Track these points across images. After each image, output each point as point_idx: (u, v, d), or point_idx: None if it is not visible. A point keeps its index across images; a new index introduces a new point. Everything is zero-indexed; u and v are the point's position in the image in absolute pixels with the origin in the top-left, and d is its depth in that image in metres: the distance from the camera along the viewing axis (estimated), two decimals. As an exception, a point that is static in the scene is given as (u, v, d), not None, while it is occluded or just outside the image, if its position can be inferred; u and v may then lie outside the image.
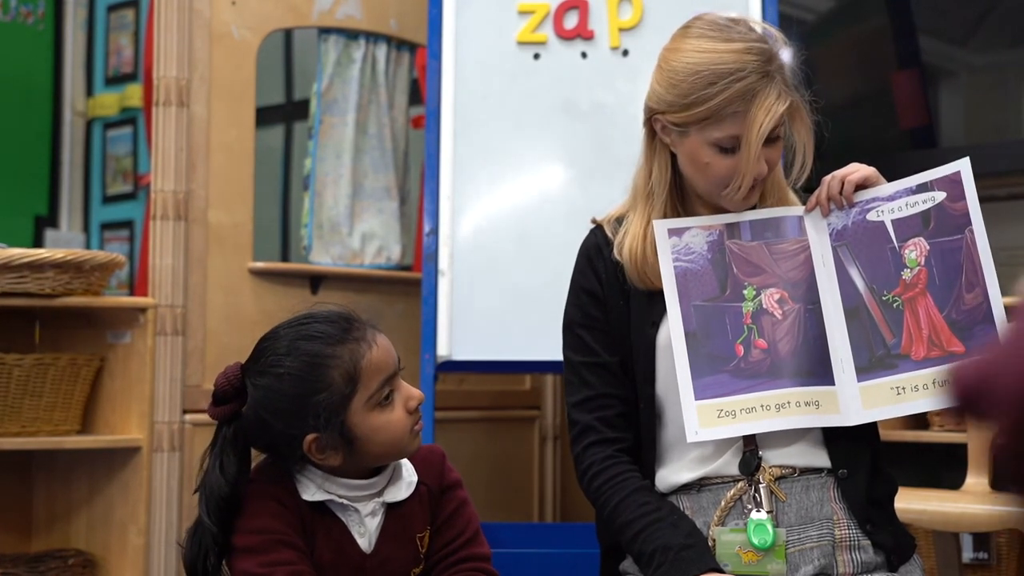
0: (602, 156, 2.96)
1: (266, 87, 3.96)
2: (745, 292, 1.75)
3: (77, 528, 3.06)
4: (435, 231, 2.93)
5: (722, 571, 1.64)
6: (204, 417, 3.12)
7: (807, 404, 1.70)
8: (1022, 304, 1.12)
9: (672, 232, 1.77)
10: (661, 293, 1.76)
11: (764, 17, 2.96)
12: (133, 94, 4.93)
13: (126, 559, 2.97)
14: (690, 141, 1.74)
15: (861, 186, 1.77)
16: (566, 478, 3.88)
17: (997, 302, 1.66)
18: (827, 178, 1.77)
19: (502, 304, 2.90)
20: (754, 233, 1.77)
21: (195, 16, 3.23)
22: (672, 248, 1.76)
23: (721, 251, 1.76)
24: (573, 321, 1.85)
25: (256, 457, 1.69)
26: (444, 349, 2.85)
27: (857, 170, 1.77)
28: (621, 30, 3.00)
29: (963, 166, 1.72)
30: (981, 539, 3.04)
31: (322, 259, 3.56)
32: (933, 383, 1.68)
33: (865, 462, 1.74)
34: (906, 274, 1.72)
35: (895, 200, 1.75)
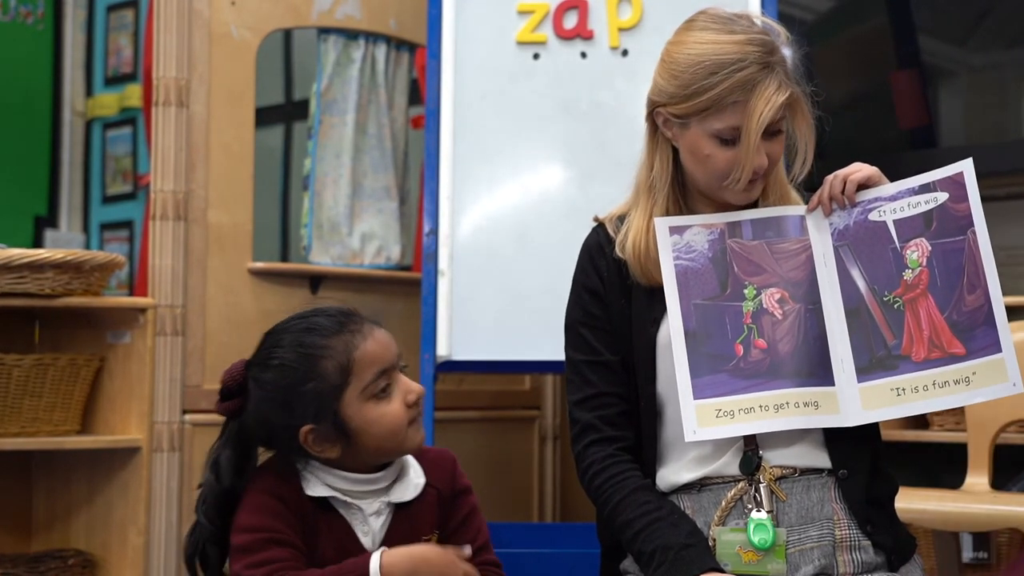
0: (602, 156, 2.95)
1: (266, 87, 3.96)
2: (745, 291, 1.75)
3: (77, 528, 3.06)
4: (435, 231, 2.93)
5: (722, 571, 1.64)
6: (204, 417, 3.15)
7: (806, 405, 1.70)
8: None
9: (673, 230, 1.77)
10: (663, 291, 1.76)
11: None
12: (133, 94, 4.93)
13: (126, 559, 2.97)
14: (691, 133, 1.75)
15: (863, 186, 1.76)
16: (566, 478, 3.88)
17: (998, 304, 1.66)
18: (829, 177, 1.77)
19: (502, 304, 2.90)
20: (755, 232, 1.77)
21: (195, 16, 3.23)
22: (673, 246, 1.76)
23: (722, 250, 1.76)
24: (575, 320, 1.85)
25: (263, 456, 1.70)
26: (444, 349, 2.85)
27: (859, 169, 1.76)
28: (621, 30, 3.00)
29: (966, 167, 1.71)
30: (981, 539, 3.04)
31: (322, 259, 3.56)
32: (933, 384, 1.67)
33: (865, 462, 1.73)
34: (907, 275, 1.71)
35: (897, 200, 1.74)
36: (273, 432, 1.63)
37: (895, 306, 1.71)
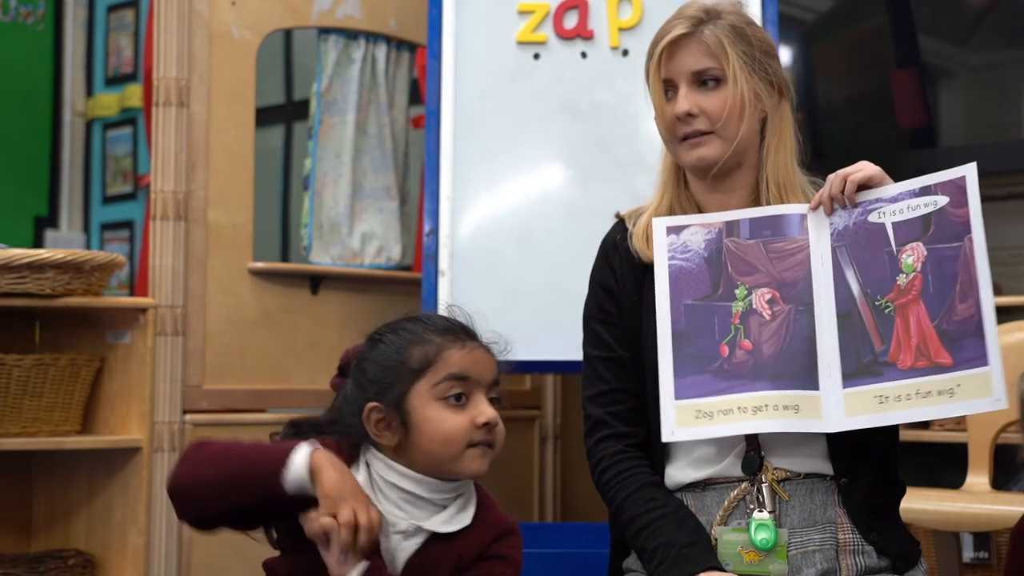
0: (602, 156, 2.96)
1: (266, 87, 3.96)
2: (737, 291, 1.74)
3: (77, 528, 3.06)
4: (435, 231, 2.93)
5: (723, 569, 1.64)
6: (204, 417, 3.15)
7: (786, 408, 1.68)
8: None
9: (671, 230, 1.78)
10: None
11: (764, 17, 2.96)
12: (133, 94, 4.93)
13: (126, 559, 2.97)
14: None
15: (865, 186, 1.74)
16: (566, 478, 3.88)
17: (989, 315, 1.61)
18: (831, 176, 1.76)
19: (502, 304, 2.90)
20: (753, 231, 1.76)
21: (195, 16, 3.23)
22: (669, 246, 1.77)
23: (718, 249, 1.76)
24: (590, 315, 1.87)
25: None
26: (444, 349, 2.85)
27: (861, 169, 1.75)
28: (621, 30, 3.00)
29: (969, 171, 1.67)
30: (981, 539, 3.04)
31: (322, 259, 3.56)
32: (916, 394, 1.63)
33: (869, 470, 1.73)
34: (901, 279, 1.68)
35: (897, 202, 1.71)
36: (346, 401, 1.65)
37: (886, 311, 1.68)
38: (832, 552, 1.69)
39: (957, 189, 1.68)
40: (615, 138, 2.95)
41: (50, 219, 5.11)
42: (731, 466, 1.73)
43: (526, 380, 3.87)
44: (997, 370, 1.60)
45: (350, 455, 1.64)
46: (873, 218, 1.72)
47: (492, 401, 1.65)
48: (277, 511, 1.57)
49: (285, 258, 4.79)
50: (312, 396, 3.30)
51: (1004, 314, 2.84)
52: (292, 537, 1.59)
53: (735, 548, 1.67)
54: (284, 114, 4.93)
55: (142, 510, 2.96)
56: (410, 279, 3.55)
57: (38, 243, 4.97)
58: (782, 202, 1.79)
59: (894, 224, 1.71)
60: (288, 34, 4.70)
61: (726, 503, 1.71)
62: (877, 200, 1.73)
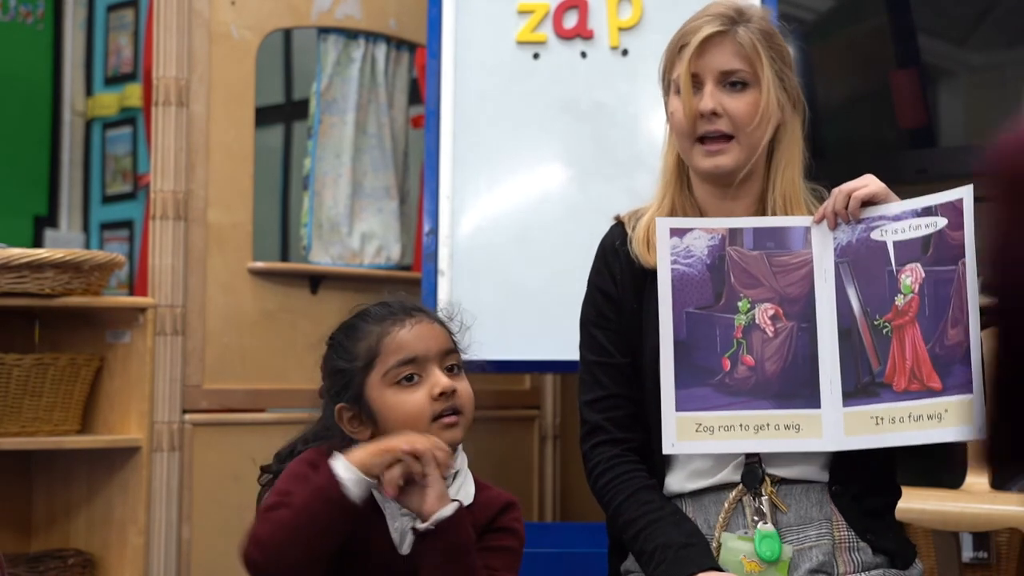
0: (602, 156, 2.95)
1: (265, 87, 3.95)
2: (739, 304, 1.73)
3: (77, 528, 3.06)
4: (435, 231, 2.93)
5: (721, 570, 1.64)
6: (204, 417, 3.15)
7: (787, 427, 1.69)
8: None
9: (674, 232, 1.75)
10: None
11: (764, 17, 2.96)
12: (132, 94, 4.93)
13: (126, 559, 2.97)
14: (668, 101, 1.82)
15: (869, 202, 1.73)
16: (566, 478, 3.88)
17: (976, 343, 1.61)
18: (835, 191, 1.74)
19: (502, 304, 2.89)
20: (756, 241, 1.74)
21: (194, 16, 3.23)
22: (672, 249, 1.75)
23: (720, 257, 1.74)
24: (588, 320, 1.86)
25: None
26: (444, 349, 2.85)
27: (865, 185, 1.73)
28: (621, 30, 3.00)
29: (965, 194, 1.66)
30: (981, 539, 3.04)
31: (322, 259, 3.56)
32: (909, 417, 1.64)
33: (863, 477, 1.73)
34: (899, 300, 1.68)
35: (900, 221, 1.70)
36: (324, 409, 1.70)
37: (884, 331, 1.68)
38: (828, 547, 1.69)
39: (955, 211, 1.66)
40: (615, 138, 2.95)
41: (50, 219, 5.11)
42: (730, 475, 1.73)
43: (526, 380, 3.87)
44: (979, 400, 1.60)
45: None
46: (875, 235, 1.71)
47: (451, 369, 1.67)
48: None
49: (285, 258, 4.79)
50: (312, 396, 3.28)
51: (1004, 314, 2.84)
52: None
53: (738, 556, 1.67)
54: (284, 114, 4.93)
55: (142, 510, 2.96)
56: (410, 279, 3.55)
57: (38, 243, 4.97)
58: (786, 215, 1.78)
59: (895, 243, 1.70)
60: (288, 34, 4.70)
61: (726, 505, 1.71)
62: (880, 217, 1.71)
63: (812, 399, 1.70)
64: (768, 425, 1.68)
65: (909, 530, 2.77)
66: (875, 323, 1.69)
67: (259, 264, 3.34)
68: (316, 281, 3.46)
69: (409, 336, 1.65)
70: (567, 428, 3.88)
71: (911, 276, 1.68)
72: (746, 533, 1.69)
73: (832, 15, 3.84)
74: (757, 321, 1.72)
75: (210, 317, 3.21)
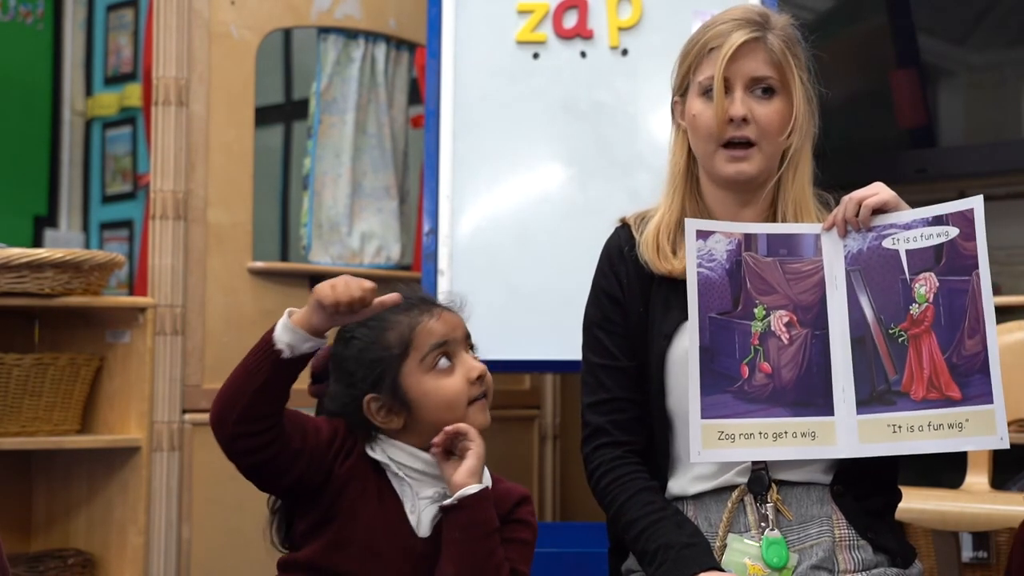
0: (602, 156, 2.95)
1: (265, 87, 3.96)
2: (756, 311, 1.73)
3: (77, 528, 3.06)
4: (434, 231, 2.93)
5: (722, 570, 1.64)
6: (204, 417, 3.14)
7: (803, 435, 1.69)
8: None
9: (700, 234, 1.74)
10: (678, 302, 1.75)
11: (763, 16, 2.96)
12: (132, 94, 4.93)
13: (125, 559, 2.97)
14: (687, 103, 1.80)
15: (879, 210, 1.72)
16: (566, 477, 3.88)
17: (994, 353, 1.62)
18: (846, 198, 1.74)
19: (501, 304, 2.89)
20: (770, 248, 1.74)
21: (194, 16, 3.23)
22: (698, 252, 1.73)
23: (737, 263, 1.74)
24: (592, 322, 1.85)
25: None
26: (444, 349, 2.85)
27: (876, 194, 1.73)
28: (620, 29, 3.00)
29: (976, 203, 1.66)
30: (981, 538, 3.04)
31: (321, 259, 3.56)
32: (928, 426, 1.65)
33: (866, 479, 1.73)
34: (914, 309, 1.68)
35: (911, 229, 1.70)
36: (343, 403, 1.69)
37: (900, 340, 1.68)
38: (829, 543, 1.69)
39: (966, 221, 1.67)
40: (615, 138, 2.95)
41: (49, 218, 5.11)
42: (732, 477, 1.73)
43: (525, 380, 3.87)
44: (1001, 410, 1.61)
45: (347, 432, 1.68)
46: (887, 244, 1.71)
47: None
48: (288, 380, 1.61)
49: (284, 257, 4.79)
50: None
51: (1004, 314, 2.84)
52: (311, 525, 1.64)
53: (742, 558, 1.67)
54: (284, 114, 4.93)
55: (141, 510, 2.96)
56: (410, 279, 3.55)
57: (37, 242, 4.97)
58: (796, 222, 1.78)
59: (908, 252, 1.70)
60: (287, 34, 4.69)
61: (729, 505, 1.71)
62: (891, 226, 1.71)
63: (826, 407, 1.70)
64: (786, 433, 1.69)
65: (909, 530, 2.77)
66: (890, 332, 1.69)
67: (259, 264, 3.34)
68: (316, 281, 3.43)
69: (440, 322, 1.69)
70: (567, 428, 3.88)
71: (925, 285, 1.68)
72: (752, 536, 1.69)
73: (832, 15, 3.84)
74: (773, 328, 1.72)
75: (210, 317, 3.21)
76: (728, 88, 1.75)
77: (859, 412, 1.69)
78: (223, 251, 3.25)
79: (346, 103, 3.61)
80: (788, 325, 1.73)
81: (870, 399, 1.69)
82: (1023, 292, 3.17)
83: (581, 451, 1.83)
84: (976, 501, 2.45)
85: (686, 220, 1.75)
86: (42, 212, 5.08)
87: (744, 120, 1.74)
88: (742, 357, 1.72)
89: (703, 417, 1.69)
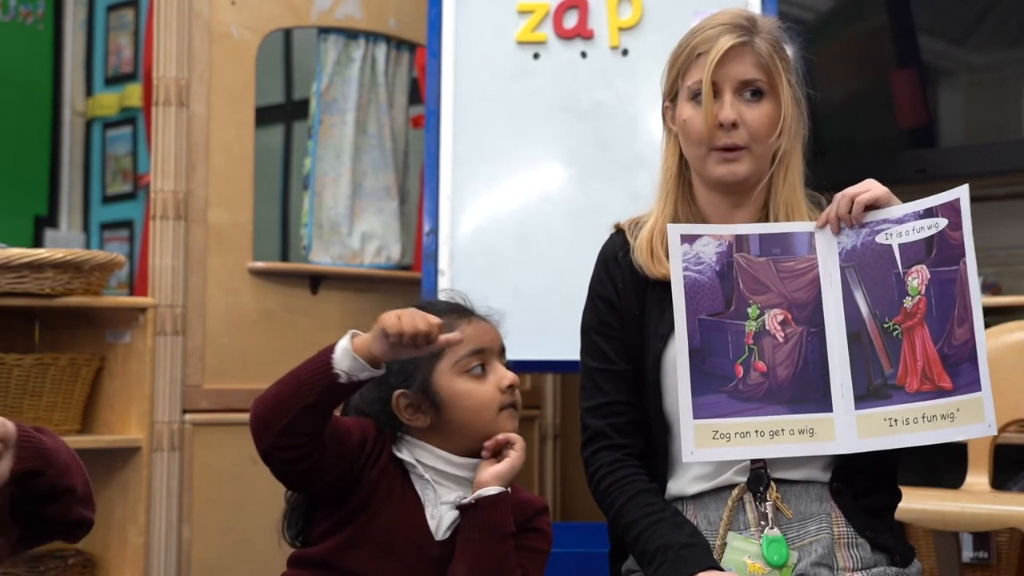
0: (602, 156, 2.96)
1: (266, 87, 3.96)
2: (749, 311, 1.73)
3: (77, 528, 3.06)
4: (435, 231, 2.93)
5: (722, 570, 1.64)
6: (204, 417, 3.15)
7: (801, 432, 1.70)
8: None
9: (685, 238, 1.75)
10: (671, 308, 1.74)
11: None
12: (133, 94, 4.93)
13: (126, 559, 2.97)
14: (677, 107, 1.80)
15: (872, 206, 1.73)
16: (566, 477, 3.88)
17: (981, 340, 1.63)
18: (838, 196, 1.75)
19: (502, 303, 2.88)
20: (763, 248, 1.75)
21: (195, 16, 3.24)
22: (683, 256, 1.74)
23: (729, 264, 1.74)
24: (590, 327, 1.86)
25: None
26: (444, 349, 2.85)
27: (868, 190, 1.73)
28: (621, 29, 3.00)
29: (962, 193, 1.68)
30: (981, 539, 3.04)
31: (322, 259, 3.56)
32: (923, 417, 1.66)
33: (865, 477, 1.74)
34: (907, 302, 1.69)
35: (903, 224, 1.71)
36: (372, 398, 1.69)
37: (894, 333, 1.69)
38: (828, 541, 1.70)
39: (953, 211, 1.68)
40: (615, 138, 2.95)
41: (50, 219, 5.11)
42: (731, 476, 1.73)
43: (526, 380, 3.87)
44: (988, 396, 1.62)
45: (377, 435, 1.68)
46: (881, 239, 1.72)
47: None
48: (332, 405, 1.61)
49: (285, 258, 4.79)
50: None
51: (1004, 314, 2.84)
52: (333, 524, 1.64)
53: (743, 556, 1.67)
54: (284, 114, 4.93)
55: (142, 510, 2.97)
56: (410, 279, 3.55)
57: (38, 243, 4.97)
58: (788, 220, 1.79)
59: (900, 246, 1.71)
60: (288, 34, 4.69)
61: (729, 503, 1.71)
62: (884, 221, 1.72)
63: (824, 403, 1.71)
64: (783, 430, 1.69)
65: (909, 530, 2.78)
66: (885, 326, 1.70)
67: (259, 264, 3.34)
68: (316, 281, 3.46)
69: (478, 330, 1.71)
70: (567, 428, 3.88)
71: (917, 278, 1.69)
72: (752, 534, 1.69)
73: (832, 15, 3.84)
74: (767, 327, 1.73)
75: (210, 317, 3.21)
76: (717, 92, 1.75)
77: (857, 407, 1.69)
78: (223, 251, 3.25)
79: (346, 103, 3.61)
80: (783, 323, 1.73)
81: (867, 394, 1.70)
82: (1023, 292, 3.17)
83: (581, 454, 1.84)
84: (976, 501, 2.45)
85: (668, 226, 1.76)
86: (42, 212, 5.08)
87: (734, 124, 1.75)
88: (736, 357, 1.72)
89: (696, 417, 1.69)
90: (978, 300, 1.64)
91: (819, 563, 1.68)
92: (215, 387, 3.21)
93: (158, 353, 3.05)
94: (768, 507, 1.70)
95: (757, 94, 1.76)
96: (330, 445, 1.60)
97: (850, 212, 1.73)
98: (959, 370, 1.64)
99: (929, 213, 1.70)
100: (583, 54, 3.01)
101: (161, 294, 3.11)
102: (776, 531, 1.69)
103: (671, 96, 1.83)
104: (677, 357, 1.72)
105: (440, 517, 1.65)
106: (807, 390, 1.71)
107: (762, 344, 1.72)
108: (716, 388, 1.71)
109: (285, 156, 4.97)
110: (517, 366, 3.43)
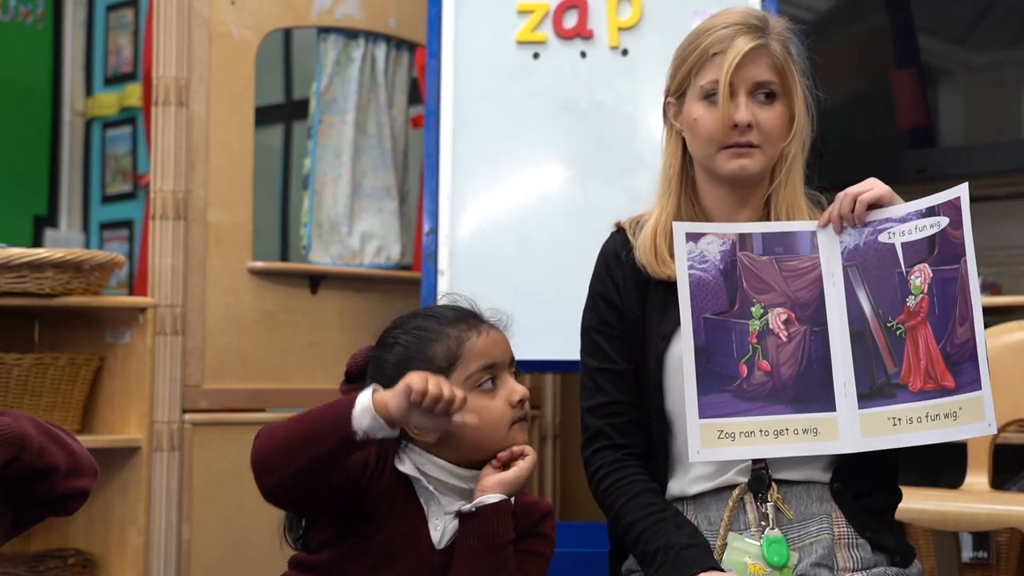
0: (601, 155, 2.95)
1: (265, 87, 3.96)
2: (753, 310, 1.73)
3: (76, 528, 3.06)
4: (434, 231, 2.93)
5: (722, 570, 1.64)
6: (204, 417, 3.15)
7: (805, 431, 1.69)
8: None
9: (689, 236, 1.74)
10: (675, 304, 1.75)
11: (763, 16, 2.96)
12: (132, 94, 4.93)
13: (125, 559, 2.97)
14: (686, 106, 1.80)
15: (874, 205, 1.73)
16: (566, 477, 3.88)
17: (982, 339, 1.63)
18: (840, 194, 1.75)
19: (501, 304, 2.88)
20: (766, 247, 1.75)
21: (194, 16, 3.23)
22: (688, 254, 1.74)
23: (732, 263, 1.74)
24: (590, 326, 1.86)
25: None
26: (444, 349, 2.85)
27: (871, 188, 1.73)
28: (620, 29, 3.00)
29: (962, 192, 1.68)
30: (981, 539, 3.04)
31: (321, 259, 3.56)
32: (926, 416, 1.66)
33: (866, 478, 1.74)
34: (910, 301, 1.69)
35: (906, 223, 1.71)
36: None
37: (897, 332, 1.69)
38: (828, 541, 1.70)
39: (954, 210, 1.68)
40: (615, 138, 2.95)
41: (49, 218, 5.11)
42: (732, 476, 1.73)
43: (525, 380, 3.86)
44: (988, 395, 1.62)
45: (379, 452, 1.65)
46: (883, 238, 1.72)
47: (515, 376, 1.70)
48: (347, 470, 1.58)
49: (285, 258, 4.79)
50: (311, 396, 3.29)
51: (1004, 314, 2.84)
52: (334, 534, 1.62)
53: (743, 557, 1.67)
54: (284, 114, 4.93)
55: (141, 510, 2.97)
56: (410, 279, 3.55)
57: (37, 242, 4.97)
58: (789, 220, 1.79)
59: (903, 245, 1.71)
60: (288, 34, 4.70)
61: (730, 503, 1.71)
62: (887, 220, 1.72)
63: (828, 402, 1.70)
64: (787, 430, 1.69)
65: (909, 530, 2.78)
66: (888, 325, 1.70)
67: (259, 264, 3.34)
68: (316, 281, 3.46)
69: (488, 343, 1.67)
70: (567, 428, 3.88)
71: (920, 276, 1.69)
72: (752, 535, 1.69)
73: (832, 15, 3.84)
74: (771, 326, 1.73)
75: (210, 317, 3.21)
76: (732, 93, 1.75)
77: (861, 406, 1.69)
78: (223, 251, 3.25)
79: (346, 103, 3.61)
80: (786, 323, 1.73)
81: (871, 393, 1.70)
82: (1023, 292, 3.17)
83: (581, 454, 1.84)
84: (976, 501, 2.45)
85: (673, 224, 1.76)
86: (42, 212, 5.09)
87: (748, 126, 1.75)
88: (740, 356, 1.72)
89: (701, 417, 1.69)
90: (978, 298, 1.64)
91: (819, 563, 1.68)
92: (215, 387, 3.21)
93: (158, 353, 3.05)
94: (769, 508, 1.70)
95: (771, 96, 1.77)
96: (333, 477, 1.58)
97: (852, 211, 1.73)
98: (961, 369, 1.64)
99: (931, 212, 1.70)
100: (583, 54, 3.01)
101: (161, 294, 3.11)
102: (777, 532, 1.69)
103: (677, 93, 1.82)
104: (683, 356, 1.71)
105: (444, 527, 1.64)
106: (811, 389, 1.71)
107: (766, 343, 1.72)
108: (721, 387, 1.71)
109: (285, 156, 4.98)
110: (517, 366, 3.42)
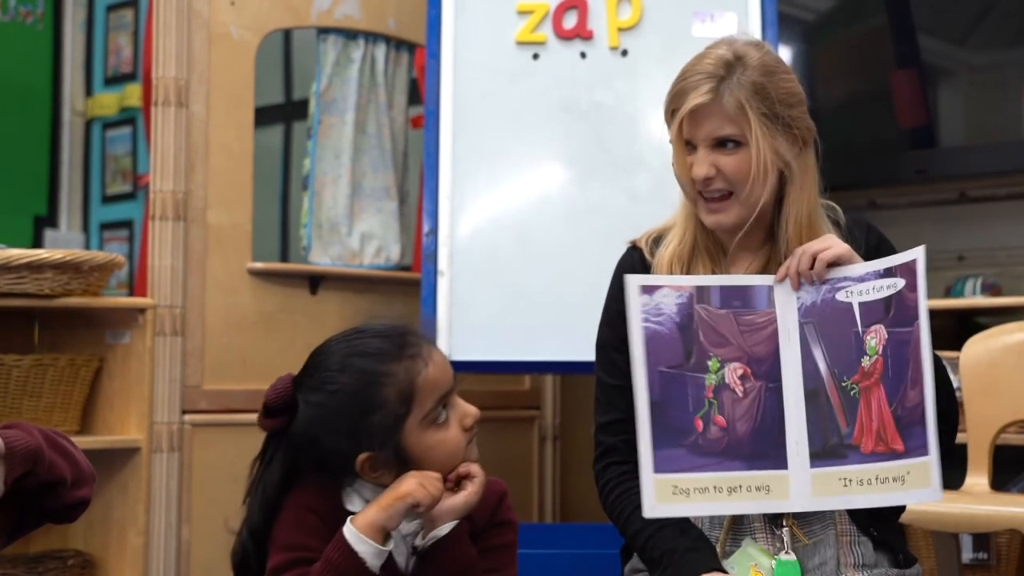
0: (601, 156, 2.95)
1: (265, 87, 3.95)
2: (709, 363, 1.71)
3: (76, 528, 3.06)
4: (434, 231, 2.93)
5: (725, 572, 1.64)
6: (203, 417, 3.15)
7: (758, 489, 1.68)
8: None
9: (644, 290, 1.73)
10: None
11: (764, 17, 2.95)
12: (132, 94, 4.92)
13: (125, 559, 2.97)
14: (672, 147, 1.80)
15: (834, 263, 1.71)
16: (566, 478, 3.88)
17: (931, 404, 1.62)
18: (799, 251, 1.73)
19: (501, 304, 2.89)
20: (723, 300, 1.73)
21: (194, 16, 3.23)
22: (643, 306, 1.72)
23: (689, 315, 1.72)
24: (607, 343, 1.85)
25: None
26: (443, 349, 2.83)
27: (830, 247, 1.72)
28: (620, 30, 3.00)
29: (919, 254, 1.67)
30: (981, 539, 3.04)
31: (321, 259, 3.56)
32: (876, 479, 1.65)
33: None
34: (865, 362, 1.68)
35: (864, 282, 1.69)
36: (325, 456, 1.58)
37: (852, 392, 1.68)
38: (831, 540, 1.71)
39: (910, 272, 1.67)
40: (614, 138, 2.95)
41: (49, 219, 5.10)
42: None
43: (525, 380, 3.87)
44: (936, 461, 1.61)
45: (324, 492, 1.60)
46: (841, 296, 1.70)
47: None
48: None
49: (284, 258, 4.78)
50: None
51: (1004, 314, 2.84)
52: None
53: (750, 563, 1.68)
54: (283, 114, 4.93)
55: (141, 510, 2.96)
56: (409, 279, 3.55)
57: (37, 243, 4.97)
58: (801, 242, 1.76)
59: (860, 304, 1.69)
60: (287, 34, 4.69)
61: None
62: (845, 279, 1.71)
63: (780, 459, 1.69)
64: (740, 487, 1.68)
65: (909, 531, 2.77)
66: (843, 384, 1.69)
67: (259, 264, 3.34)
68: (316, 281, 3.46)
69: (436, 370, 1.58)
70: (567, 428, 3.88)
71: (875, 337, 1.68)
72: (766, 547, 1.69)
73: (832, 15, 3.84)
74: (727, 381, 1.71)
75: (209, 317, 3.21)
76: (694, 147, 1.75)
77: (812, 465, 1.68)
78: (223, 252, 3.25)
79: (346, 103, 3.61)
80: (742, 378, 1.71)
81: (823, 452, 1.68)
82: (1023, 292, 3.16)
83: (592, 468, 1.84)
84: (976, 502, 2.45)
85: (626, 277, 1.74)
86: (42, 212, 5.08)
87: (708, 178, 1.74)
88: (696, 410, 1.70)
89: (656, 471, 1.68)
90: (930, 363, 1.62)
91: (823, 563, 1.69)
92: (214, 388, 3.21)
93: (157, 354, 3.05)
94: (784, 532, 1.70)
95: (733, 143, 1.74)
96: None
97: (811, 268, 1.71)
98: (910, 432, 1.63)
99: (888, 273, 1.68)
100: (583, 54, 3.01)
101: (160, 295, 3.11)
102: (792, 556, 1.69)
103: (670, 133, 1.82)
104: (637, 410, 1.70)
105: (406, 552, 1.59)
106: (765, 446, 1.70)
107: (722, 398, 1.71)
108: (676, 442, 1.69)
109: (284, 156, 4.97)
110: (517, 367, 3.45)
